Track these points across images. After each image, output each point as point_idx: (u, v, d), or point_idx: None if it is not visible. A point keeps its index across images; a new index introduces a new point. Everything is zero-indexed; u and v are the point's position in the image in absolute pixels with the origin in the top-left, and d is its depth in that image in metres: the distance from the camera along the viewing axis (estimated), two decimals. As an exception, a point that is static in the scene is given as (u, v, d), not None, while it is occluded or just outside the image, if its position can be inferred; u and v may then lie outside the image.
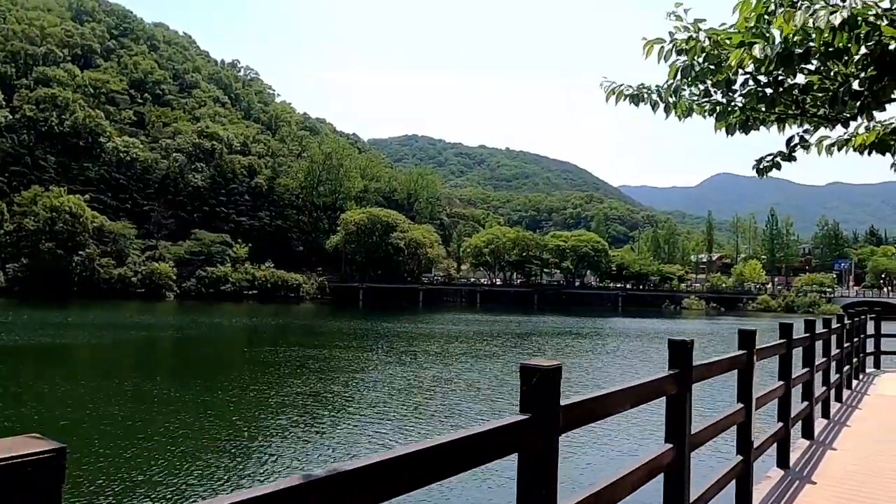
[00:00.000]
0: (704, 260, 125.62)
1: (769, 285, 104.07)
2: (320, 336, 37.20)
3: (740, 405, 5.10)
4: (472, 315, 64.99)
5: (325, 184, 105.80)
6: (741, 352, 5.16)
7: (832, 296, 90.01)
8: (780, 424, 6.30)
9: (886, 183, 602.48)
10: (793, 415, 6.60)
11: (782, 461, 6.30)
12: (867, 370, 13.91)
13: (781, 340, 6.39)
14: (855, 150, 4.27)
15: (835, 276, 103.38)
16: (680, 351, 3.75)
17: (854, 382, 11.59)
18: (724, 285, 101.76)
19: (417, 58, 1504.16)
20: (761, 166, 4.40)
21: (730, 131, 4.19)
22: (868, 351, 14.19)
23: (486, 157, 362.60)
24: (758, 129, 4.16)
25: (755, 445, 5.30)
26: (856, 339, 11.65)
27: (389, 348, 30.20)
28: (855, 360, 11.81)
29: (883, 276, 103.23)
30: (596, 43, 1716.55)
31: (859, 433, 8.22)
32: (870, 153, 4.19)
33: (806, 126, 4.14)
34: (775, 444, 6.33)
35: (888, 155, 4.16)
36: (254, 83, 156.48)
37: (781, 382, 6.48)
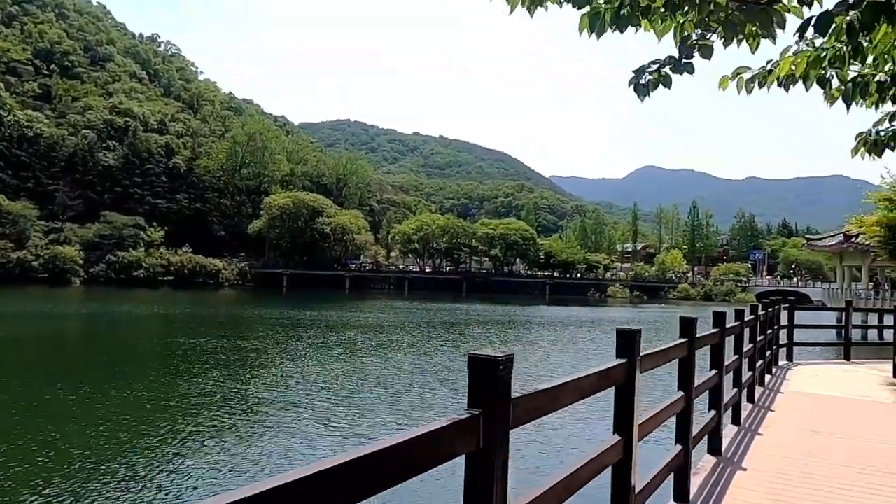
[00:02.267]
0: (630, 249, 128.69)
1: (689, 274, 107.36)
2: (238, 326, 34.93)
3: (681, 394, 5.13)
4: (400, 303, 63.77)
5: (248, 166, 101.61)
6: (683, 340, 5.17)
7: (747, 285, 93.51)
8: (713, 412, 6.36)
9: (798, 178, 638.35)
10: (724, 402, 6.68)
11: (714, 449, 6.38)
12: (780, 363, 13.47)
13: (715, 329, 6.37)
14: (780, 84, 3.24)
15: (750, 265, 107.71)
16: (628, 340, 3.72)
17: (767, 378, 10.96)
18: (647, 274, 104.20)
19: (351, 42, 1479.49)
20: (642, 81, 3.25)
21: (597, 29, 3.00)
22: (781, 342, 13.76)
23: (420, 145, 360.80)
24: (638, 25, 2.99)
25: (693, 434, 5.36)
26: (769, 332, 11.00)
27: (312, 339, 28.42)
28: (768, 352, 11.19)
29: (793, 266, 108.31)
30: (530, 35, 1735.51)
31: (781, 422, 8.15)
32: (789, 86, 3.18)
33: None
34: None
35: (814, 90, 3.15)
36: (175, 59, 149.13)
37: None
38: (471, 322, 41.90)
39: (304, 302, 56.96)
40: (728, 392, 7.28)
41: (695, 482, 5.43)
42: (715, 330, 6.42)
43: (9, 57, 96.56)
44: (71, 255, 74.13)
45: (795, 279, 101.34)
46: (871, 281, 45.22)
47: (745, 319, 7.72)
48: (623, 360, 3.41)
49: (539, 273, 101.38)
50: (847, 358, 15.08)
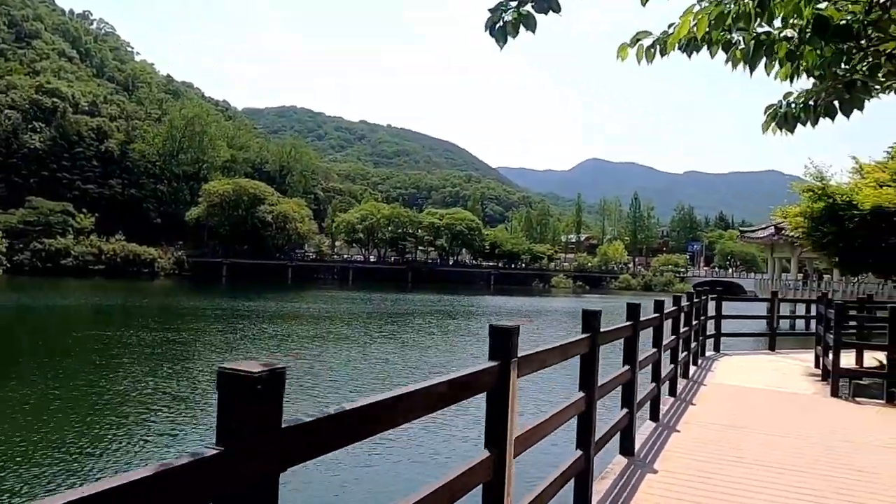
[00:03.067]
0: (573, 240, 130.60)
1: (631, 265, 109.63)
2: (170, 317, 33.22)
3: (627, 367, 6.12)
4: (343, 293, 62.84)
5: (186, 151, 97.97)
6: (629, 322, 6.13)
7: (685, 275, 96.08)
8: (625, 410, 6.39)
9: (735, 173, 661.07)
10: (639, 399, 6.77)
11: (626, 449, 6.38)
12: (707, 353, 13.48)
13: (628, 322, 6.44)
14: (681, 49, 2.83)
15: (688, 257, 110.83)
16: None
17: (692, 369, 10.88)
18: (589, 265, 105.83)
19: (297, 26, 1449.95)
20: (499, 23, 2.78)
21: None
22: (709, 333, 13.78)
23: (368, 133, 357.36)
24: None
25: (599, 436, 5.52)
26: (695, 322, 10.88)
27: (245, 331, 27.30)
28: (694, 343, 11.10)
29: (729, 257, 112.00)
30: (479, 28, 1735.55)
31: (701, 416, 8.00)
32: (691, 52, 2.80)
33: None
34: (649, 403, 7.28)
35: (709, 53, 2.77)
36: (109, 38, 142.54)
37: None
38: (414, 313, 41.38)
39: (244, 292, 55.33)
40: (647, 387, 7.07)
41: (599, 489, 5.05)
42: (628, 323, 6.06)
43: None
44: (-8, 243, 70.08)
45: (731, 270, 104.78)
46: (799, 272, 46.85)
47: (666, 311, 7.45)
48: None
49: (484, 263, 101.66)
50: (772, 349, 15.19)
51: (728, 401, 9.09)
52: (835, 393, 9.84)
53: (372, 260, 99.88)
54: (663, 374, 7.85)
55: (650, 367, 7.42)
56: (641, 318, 6.40)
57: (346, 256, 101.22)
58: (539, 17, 2.60)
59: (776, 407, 8.92)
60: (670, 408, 8.12)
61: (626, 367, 6.12)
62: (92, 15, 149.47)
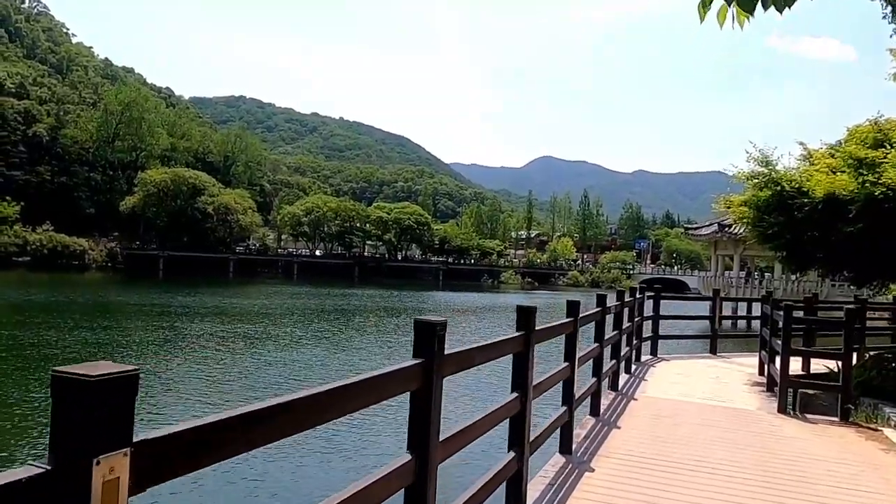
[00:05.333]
0: (524, 237, 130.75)
1: (579, 262, 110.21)
2: (95, 314, 30.71)
3: (566, 364, 5.97)
4: (288, 288, 60.79)
5: (123, 139, 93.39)
6: (569, 319, 5.97)
7: (632, 272, 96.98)
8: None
9: (681, 173, 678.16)
10: (579, 395, 6.50)
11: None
12: (643, 357, 12.36)
13: (518, 333, 5.40)
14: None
15: (635, 254, 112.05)
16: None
17: (623, 378, 9.64)
18: (538, 261, 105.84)
19: (250, 14, 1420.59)
20: None
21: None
22: (645, 335, 12.59)
23: (319, 126, 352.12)
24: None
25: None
26: (626, 325, 9.71)
27: (175, 329, 25.27)
28: (626, 349, 9.92)
29: (674, 255, 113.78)
30: (439, 18, 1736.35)
31: (621, 447, 6.65)
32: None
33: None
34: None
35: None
36: (42, 18, 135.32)
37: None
38: (357, 309, 39.86)
39: (181, 287, 52.68)
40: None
41: (533, 491, 4.77)
42: (568, 319, 5.80)
43: None
44: None
45: (676, 268, 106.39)
46: (742, 269, 47.12)
47: (584, 314, 6.26)
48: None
49: (433, 258, 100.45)
50: (714, 352, 14.15)
51: (657, 421, 7.72)
52: (782, 408, 8.65)
53: (318, 254, 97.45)
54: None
55: (591, 362, 7.25)
56: (581, 315, 6.29)
57: (291, 251, 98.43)
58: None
59: (711, 429, 7.47)
60: (589, 432, 6.86)
61: (566, 364, 6.03)
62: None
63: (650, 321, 12.93)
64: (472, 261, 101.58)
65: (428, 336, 2.98)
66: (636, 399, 8.81)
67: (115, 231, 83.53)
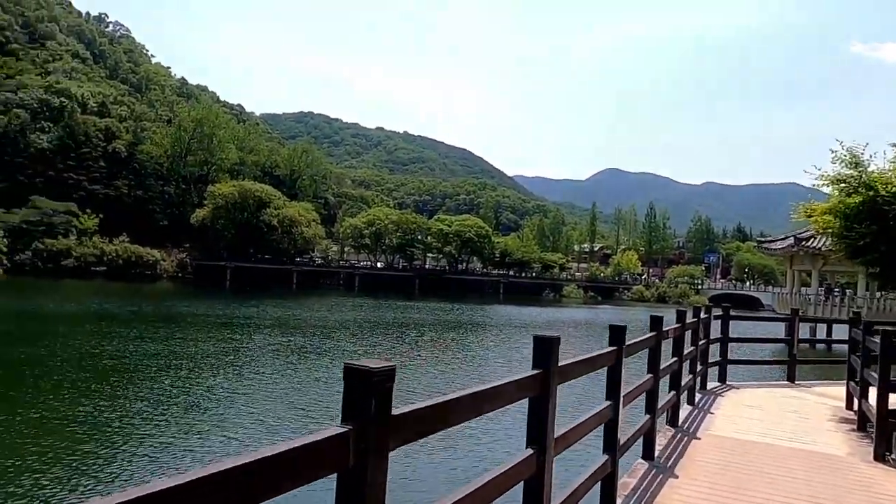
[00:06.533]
0: (587, 250, 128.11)
1: (645, 276, 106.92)
2: (164, 324, 31.43)
3: (650, 375, 6.32)
4: (349, 300, 61.23)
5: (194, 153, 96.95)
6: (652, 333, 6.27)
7: (700, 287, 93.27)
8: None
9: (753, 185, 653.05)
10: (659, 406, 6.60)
11: (673, 421, 6.88)
12: (709, 385, 11.02)
13: (651, 334, 6.29)
14: None
15: (704, 268, 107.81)
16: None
17: (685, 411, 8.47)
18: (602, 275, 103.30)
19: (320, 35, 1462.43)
20: None
21: None
22: (713, 360, 11.23)
23: (384, 140, 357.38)
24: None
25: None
26: (689, 349, 8.62)
27: (237, 343, 25.43)
28: (689, 377, 8.80)
29: (746, 269, 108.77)
30: (501, 33, 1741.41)
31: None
32: None
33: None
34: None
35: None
36: (123, 41, 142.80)
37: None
38: (420, 323, 39.36)
39: (245, 298, 53.80)
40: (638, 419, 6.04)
41: (622, 490, 5.20)
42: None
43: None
44: (-8, 242, 69.21)
45: (748, 283, 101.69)
46: (820, 286, 44.19)
47: (631, 342, 5.36)
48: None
49: (494, 271, 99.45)
50: (791, 379, 12.52)
51: (724, 470, 6.42)
52: (879, 455, 7.15)
53: (379, 266, 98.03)
54: (632, 430, 6.52)
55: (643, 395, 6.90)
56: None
57: (353, 262, 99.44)
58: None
59: (794, 482, 6.13)
60: (640, 481, 5.84)
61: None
62: (108, 17, 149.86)
63: (718, 343, 11.61)
64: (534, 274, 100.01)
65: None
66: (699, 438, 7.59)
67: (186, 242, 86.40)
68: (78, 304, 41.54)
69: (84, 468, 9.64)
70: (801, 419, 9.25)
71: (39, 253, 72.68)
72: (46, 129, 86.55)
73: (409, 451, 9.79)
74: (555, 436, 3.58)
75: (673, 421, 7.68)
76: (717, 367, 11.51)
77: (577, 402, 12.66)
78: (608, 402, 4.85)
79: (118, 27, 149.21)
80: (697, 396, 9.50)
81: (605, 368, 4.92)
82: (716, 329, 11.67)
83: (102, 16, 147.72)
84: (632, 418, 6.04)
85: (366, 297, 64.91)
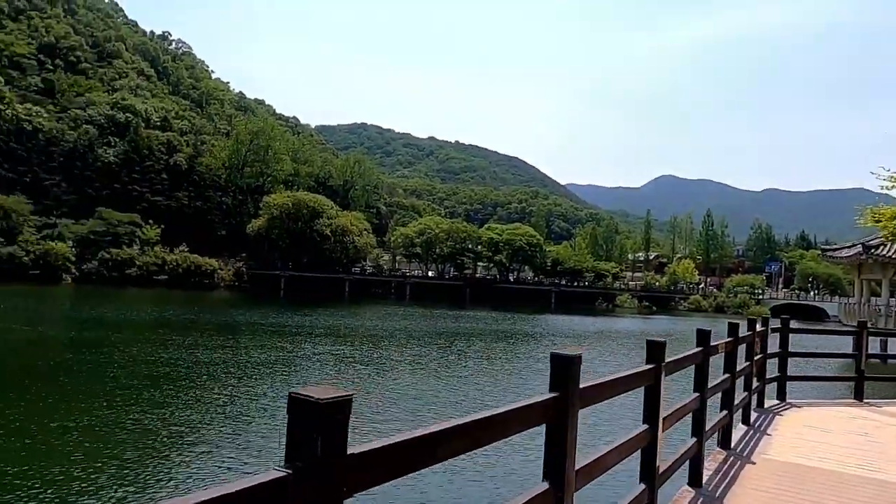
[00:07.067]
0: (641, 259, 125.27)
1: (702, 285, 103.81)
2: (222, 333, 32.18)
3: (696, 395, 5.86)
4: (401, 309, 61.54)
5: (251, 165, 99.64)
6: (698, 349, 5.86)
7: (761, 297, 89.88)
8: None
9: (819, 191, 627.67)
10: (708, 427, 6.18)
11: (725, 443, 6.47)
12: (765, 404, 10.23)
13: (698, 349, 5.90)
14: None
15: (765, 277, 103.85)
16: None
17: (739, 432, 7.87)
18: (657, 284, 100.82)
19: (372, 48, 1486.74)
20: None
21: None
22: (770, 376, 10.45)
23: (436, 150, 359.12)
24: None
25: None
26: (744, 365, 8.10)
27: (289, 352, 25.78)
28: (744, 393, 8.27)
29: (810, 279, 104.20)
30: (552, 42, 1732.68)
31: None
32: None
33: None
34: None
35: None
36: (185, 58, 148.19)
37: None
38: (471, 333, 39.16)
39: (298, 306, 54.69)
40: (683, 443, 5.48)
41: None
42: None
43: (12, 51, 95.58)
44: (62, 252, 72.47)
45: (812, 293, 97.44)
46: (892, 296, 41.83)
47: (670, 358, 4.98)
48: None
49: (546, 280, 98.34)
50: (859, 398, 11.58)
51: (782, 501, 5.70)
52: None
53: (430, 275, 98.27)
54: (707, 426, 6.43)
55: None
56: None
57: (404, 271, 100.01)
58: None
59: None
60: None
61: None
62: (171, 36, 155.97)
63: (776, 358, 10.89)
64: (586, 283, 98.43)
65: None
66: (754, 462, 6.94)
67: (242, 252, 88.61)
68: (138, 311, 43.00)
69: (128, 476, 9.79)
70: (870, 443, 8.44)
71: (105, 262, 75.76)
72: (112, 144, 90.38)
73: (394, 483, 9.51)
74: (576, 468, 3.17)
75: (725, 443, 7.15)
76: (775, 384, 10.78)
77: (615, 419, 12.17)
78: (645, 426, 4.47)
79: (180, 45, 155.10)
80: (753, 415, 8.85)
81: (643, 388, 4.56)
82: (774, 342, 11.03)
83: (166, 34, 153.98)
84: (677, 440, 5.69)
85: (416, 307, 65.09)
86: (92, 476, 9.62)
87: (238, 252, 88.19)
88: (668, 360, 4.74)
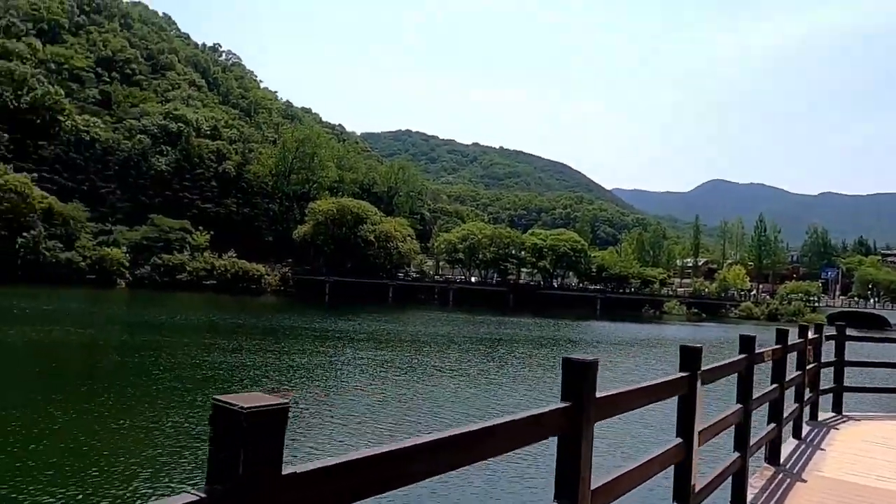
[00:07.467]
0: (690, 265, 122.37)
1: (754, 292, 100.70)
2: (265, 336, 32.63)
3: (739, 406, 5.46)
4: (443, 314, 61.60)
5: (297, 172, 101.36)
6: (742, 356, 5.49)
7: (817, 305, 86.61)
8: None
9: (876, 195, 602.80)
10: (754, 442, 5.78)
11: (773, 459, 6.08)
12: (819, 416, 9.49)
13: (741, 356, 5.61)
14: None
15: (821, 284, 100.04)
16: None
17: (786, 447, 7.33)
18: (706, 291, 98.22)
19: (416, 56, 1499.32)
20: None
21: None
22: (825, 387, 9.80)
23: (479, 155, 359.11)
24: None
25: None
26: (796, 374, 7.59)
27: (332, 357, 25.94)
28: (795, 405, 7.75)
29: (870, 286, 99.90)
30: (593, 47, 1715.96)
31: None
32: None
33: None
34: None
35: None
36: (235, 68, 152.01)
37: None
38: (514, 339, 38.82)
39: (343, 312, 55.20)
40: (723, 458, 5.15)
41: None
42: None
43: (72, 64, 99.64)
44: (117, 257, 74.95)
45: (872, 300, 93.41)
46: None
47: (706, 367, 4.56)
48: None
49: (590, 287, 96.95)
50: None
51: None
52: None
53: (473, 281, 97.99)
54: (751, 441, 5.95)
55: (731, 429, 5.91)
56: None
57: (447, 277, 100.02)
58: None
59: None
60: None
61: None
62: (221, 47, 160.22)
63: (832, 368, 10.24)
64: (632, 290, 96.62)
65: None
66: (805, 480, 6.40)
67: (288, 257, 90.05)
68: (187, 316, 44.01)
69: (162, 478, 9.85)
70: None
71: (157, 267, 78.02)
72: (165, 153, 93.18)
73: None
74: (593, 487, 2.86)
75: (773, 458, 6.69)
76: (830, 396, 10.14)
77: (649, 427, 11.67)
78: (678, 440, 4.07)
79: (230, 56, 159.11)
80: (805, 429, 8.25)
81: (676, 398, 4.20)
82: (830, 351, 10.41)
83: (216, 45, 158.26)
84: (717, 455, 5.32)
85: (459, 312, 64.98)
86: (125, 473, 9.71)
87: (284, 258, 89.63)
88: (705, 367, 4.36)
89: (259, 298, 73.15)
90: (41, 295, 49.84)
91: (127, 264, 76.11)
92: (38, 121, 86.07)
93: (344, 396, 17.26)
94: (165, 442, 11.87)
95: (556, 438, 2.77)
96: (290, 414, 1.44)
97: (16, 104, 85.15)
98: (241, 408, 1.36)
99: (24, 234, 70.29)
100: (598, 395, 2.88)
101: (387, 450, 1.76)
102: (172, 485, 9.51)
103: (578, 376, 2.77)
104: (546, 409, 2.60)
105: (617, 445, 11.62)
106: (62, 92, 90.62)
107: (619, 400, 3.25)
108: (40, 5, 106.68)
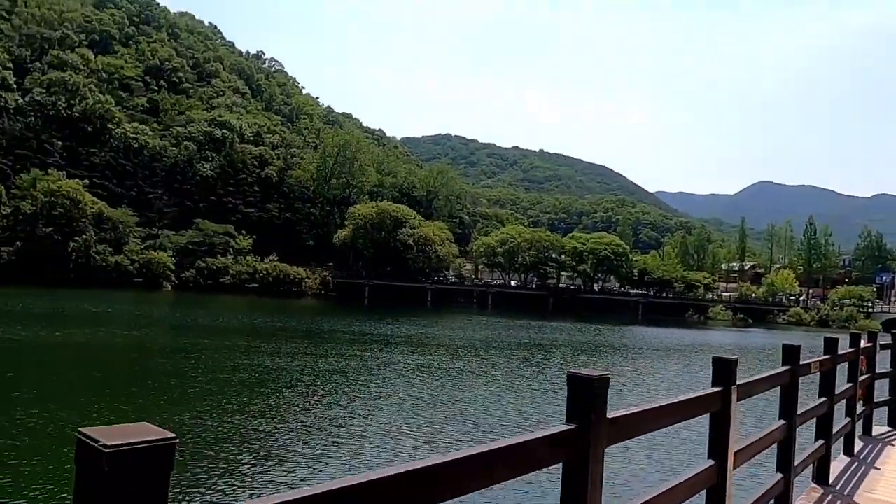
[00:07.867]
0: (736, 269, 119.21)
1: (803, 297, 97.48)
2: (313, 340, 32.97)
3: (782, 422, 5.13)
4: (482, 319, 61.35)
5: (337, 177, 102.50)
6: (785, 368, 5.13)
7: (871, 310, 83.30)
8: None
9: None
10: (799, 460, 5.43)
11: (821, 479, 5.62)
12: (874, 432, 8.90)
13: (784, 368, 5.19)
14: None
15: (876, 289, 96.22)
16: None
17: (836, 466, 6.79)
18: (753, 295, 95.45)
19: (455, 58, 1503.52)
20: None
21: None
22: (879, 399, 9.17)
23: (519, 159, 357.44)
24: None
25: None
26: (847, 386, 7.09)
27: (371, 361, 26.02)
28: (847, 419, 7.23)
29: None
30: (636, 48, 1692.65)
31: None
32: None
33: None
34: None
35: None
36: (277, 75, 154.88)
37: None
38: (553, 345, 38.30)
39: (382, 315, 55.45)
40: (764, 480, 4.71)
41: None
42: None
43: (122, 73, 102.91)
44: (164, 261, 76.96)
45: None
46: None
47: (743, 381, 4.20)
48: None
49: (632, 291, 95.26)
50: None
51: None
52: None
53: (512, 284, 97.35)
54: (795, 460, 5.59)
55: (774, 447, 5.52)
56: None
57: (487, 281, 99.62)
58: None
59: None
60: None
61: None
62: (264, 55, 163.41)
63: (887, 379, 9.64)
64: (676, 294, 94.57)
65: (583, 395, 2.45)
66: (857, 503, 5.96)
67: (329, 261, 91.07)
68: (229, 318, 44.75)
69: (195, 481, 9.87)
70: None
71: (201, 270, 79.84)
72: (210, 159, 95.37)
73: None
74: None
75: (821, 478, 6.28)
76: (885, 409, 9.54)
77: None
78: (710, 462, 3.72)
79: (273, 63, 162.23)
80: (858, 445, 7.70)
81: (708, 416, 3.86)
82: (885, 361, 9.83)
83: (260, 53, 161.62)
84: (758, 476, 4.96)
85: (498, 317, 64.55)
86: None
87: (325, 261, 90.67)
88: (741, 381, 3.99)
89: (300, 301, 74.09)
90: (91, 297, 51.40)
91: (173, 267, 78.07)
92: (90, 129, 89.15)
93: (377, 402, 17.17)
94: (198, 445, 11.94)
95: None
96: (209, 447, 1.08)
97: (69, 113, 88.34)
98: (104, 445, 1.07)
99: (76, 238, 72.77)
100: (610, 415, 2.55)
101: (329, 489, 1.43)
102: (204, 487, 9.51)
103: (585, 393, 2.45)
104: (547, 433, 2.27)
105: (638, 469, 11.09)
106: (112, 100, 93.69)
107: (636, 420, 2.89)
108: (93, 17, 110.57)
